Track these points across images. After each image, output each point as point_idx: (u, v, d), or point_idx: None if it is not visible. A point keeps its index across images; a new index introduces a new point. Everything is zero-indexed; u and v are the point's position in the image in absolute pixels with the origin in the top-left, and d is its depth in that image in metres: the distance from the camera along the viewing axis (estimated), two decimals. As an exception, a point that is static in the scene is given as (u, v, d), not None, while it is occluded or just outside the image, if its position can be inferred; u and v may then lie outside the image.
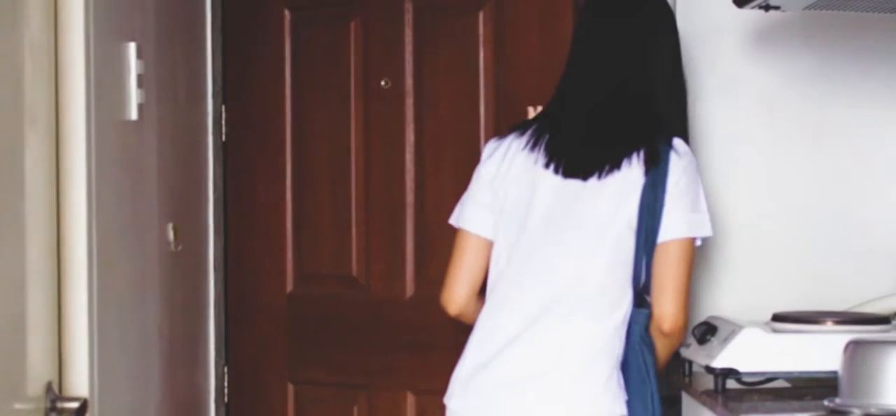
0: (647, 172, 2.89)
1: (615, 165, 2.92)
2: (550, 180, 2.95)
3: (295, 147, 3.94)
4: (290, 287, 3.96)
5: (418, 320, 3.74)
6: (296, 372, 3.95)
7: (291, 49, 3.94)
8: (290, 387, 3.97)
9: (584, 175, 2.93)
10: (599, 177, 2.92)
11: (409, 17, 3.80)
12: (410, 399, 3.80)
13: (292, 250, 3.95)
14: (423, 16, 3.79)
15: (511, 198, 2.99)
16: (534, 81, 3.58)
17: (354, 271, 3.87)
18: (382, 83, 3.80)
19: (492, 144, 3.10)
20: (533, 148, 2.99)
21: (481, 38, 3.71)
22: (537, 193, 2.96)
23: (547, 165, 2.96)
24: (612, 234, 2.89)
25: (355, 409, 3.87)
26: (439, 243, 3.60)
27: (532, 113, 3.44)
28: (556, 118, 3.03)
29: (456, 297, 3.08)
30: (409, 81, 3.80)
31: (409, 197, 3.79)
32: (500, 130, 3.43)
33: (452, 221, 3.10)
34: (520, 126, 3.08)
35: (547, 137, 3.00)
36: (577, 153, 2.96)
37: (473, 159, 3.39)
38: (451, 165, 3.72)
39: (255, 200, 3.99)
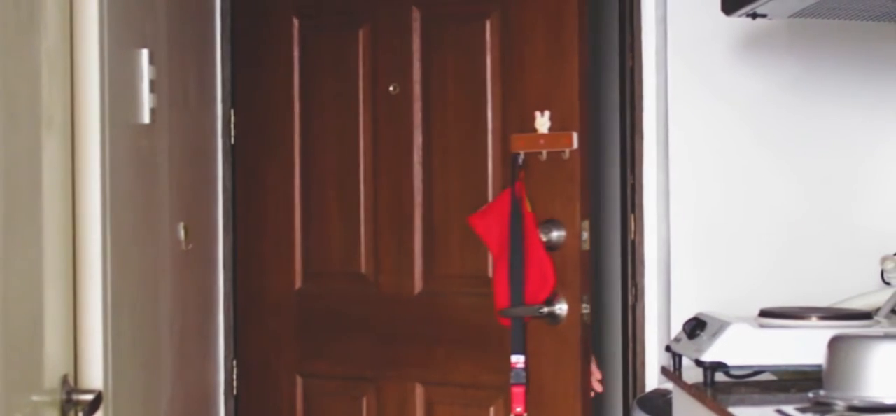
0: None
1: None
2: None
3: (303, 150, 3.94)
4: (298, 284, 3.97)
5: (426, 316, 3.74)
6: (304, 365, 3.96)
7: (300, 56, 3.94)
8: (299, 380, 3.97)
9: None
10: None
11: (417, 25, 3.76)
12: (419, 390, 3.79)
13: (301, 248, 3.95)
14: (431, 23, 3.75)
15: None
16: (540, 86, 3.55)
17: (363, 269, 3.86)
18: (391, 88, 3.77)
19: None
20: None
21: (488, 45, 3.66)
22: None
23: None
24: None
25: (364, 401, 3.89)
26: (444, 241, 3.69)
27: (539, 118, 3.48)
28: None
29: None
30: (417, 87, 3.75)
31: (418, 198, 3.75)
32: (507, 133, 3.57)
33: None
34: None
35: None
36: None
37: (480, 161, 3.62)
38: (457, 167, 3.69)
39: (263, 200, 3.99)
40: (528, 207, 3.50)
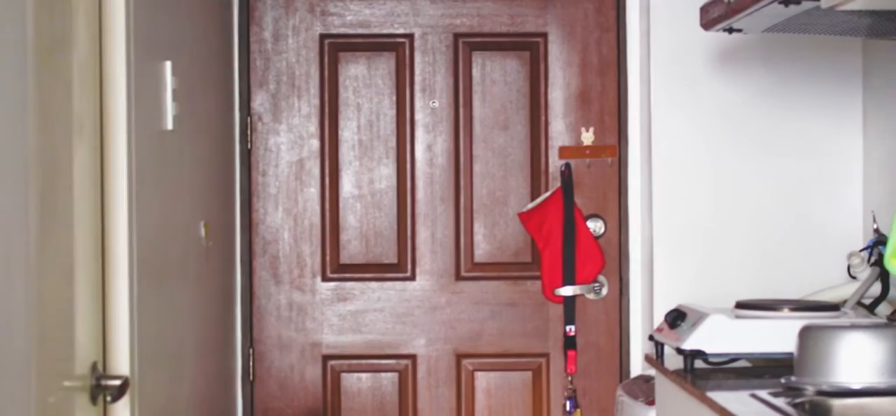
0: None
1: None
2: None
3: (327, 156, 4.00)
4: (318, 276, 4.00)
5: (455, 301, 4.02)
6: (324, 351, 4.02)
7: (329, 72, 4.00)
8: (320, 365, 4.00)
9: None
10: None
11: (461, 47, 3.98)
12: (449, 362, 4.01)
13: (321, 243, 4.00)
14: (470, 47, 3.99)
15: None
16: (575, 108, 3.97)
17: (392, 259, 3.99)
18: (431, 104, 3.96)
19: None
20: None
21: (527, 72, 3.98)
22: None
23: None
24: None
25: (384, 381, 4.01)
26: (476, 231, 4.01)
27: (585, 134, 3.91)
28: None
29: None
30: (454, 103, 3.98)
31: (447, 198, 3.99)
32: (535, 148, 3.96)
33: None
34: None
35: None
36: None
37: (514, 167, 3.98)
38: (488, 171, 4.00)
39: (277, 200, 4.00)
40: (576, 204, 3.89)
